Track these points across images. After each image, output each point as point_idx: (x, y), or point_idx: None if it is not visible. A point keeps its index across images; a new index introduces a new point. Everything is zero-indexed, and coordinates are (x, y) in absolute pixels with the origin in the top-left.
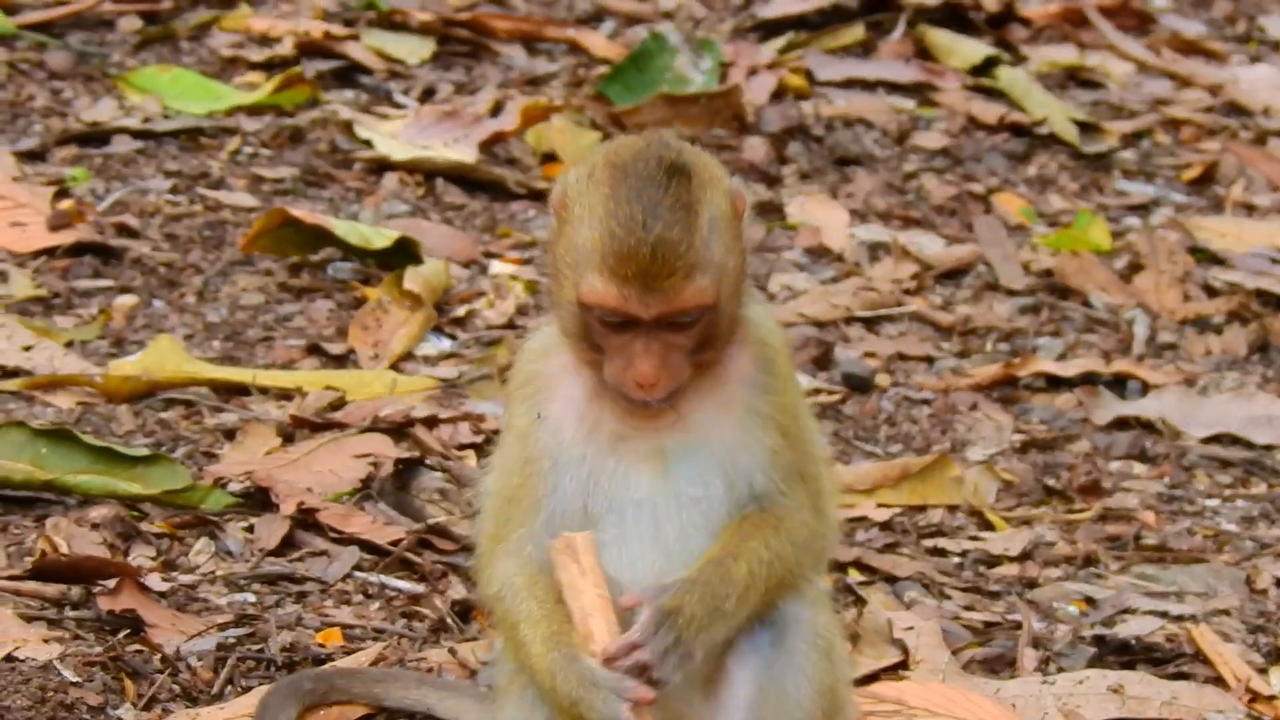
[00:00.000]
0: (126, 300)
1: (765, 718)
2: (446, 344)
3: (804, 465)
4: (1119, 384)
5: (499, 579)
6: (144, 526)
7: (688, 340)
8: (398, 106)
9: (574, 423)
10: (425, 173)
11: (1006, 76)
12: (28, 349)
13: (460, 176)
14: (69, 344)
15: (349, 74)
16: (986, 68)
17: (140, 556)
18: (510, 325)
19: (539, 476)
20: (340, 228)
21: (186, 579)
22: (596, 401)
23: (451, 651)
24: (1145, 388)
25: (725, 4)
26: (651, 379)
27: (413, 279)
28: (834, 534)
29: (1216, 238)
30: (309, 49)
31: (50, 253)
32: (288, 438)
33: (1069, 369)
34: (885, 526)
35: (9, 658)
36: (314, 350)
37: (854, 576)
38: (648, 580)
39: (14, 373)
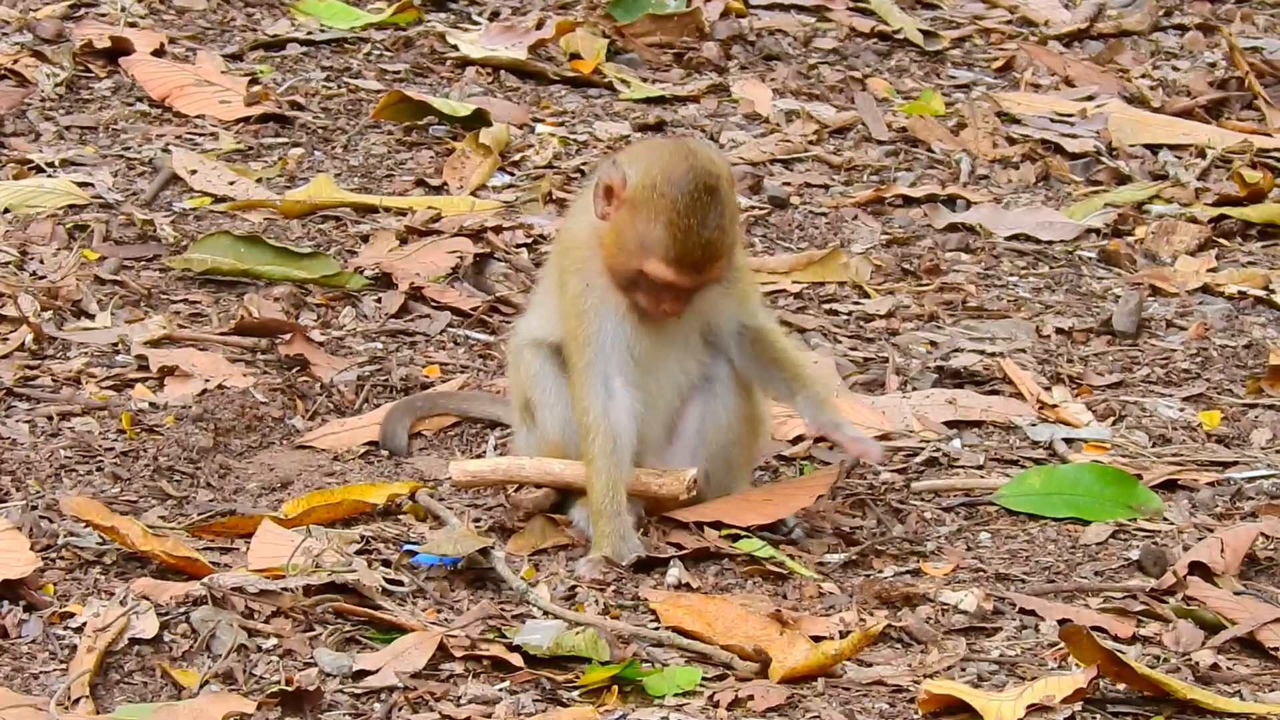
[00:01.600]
0: (296, 151)
1: (706, 436)
2: (507, 179)
3: (758, 304)
4: (950, 202)
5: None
6: (309, 300)
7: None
8: (474, 24)
9: (610, 297)
10: (493, 66)
11: (876, 1)
12: (231, 183)
13: (516, 68)
14: (259, 180)
15: (442, 1)
16: None
17: (306, 319)
18: (549, 166)
19: (591, 321)
20: (437, 102)
21: (337, 334)
22: (621, 290)
23: None
24: (968, 204)
25: None
26: (675, 312)
27: (485, 136)
28: None
29: (1014, 106)
30: None
31: (246, 120)
32: (403, 240)
33: (918, 192)
34: (797, 296)
35: (220, 386)
36: (420, 183)
37: None
38: (654, 387)
39: (223, 199)
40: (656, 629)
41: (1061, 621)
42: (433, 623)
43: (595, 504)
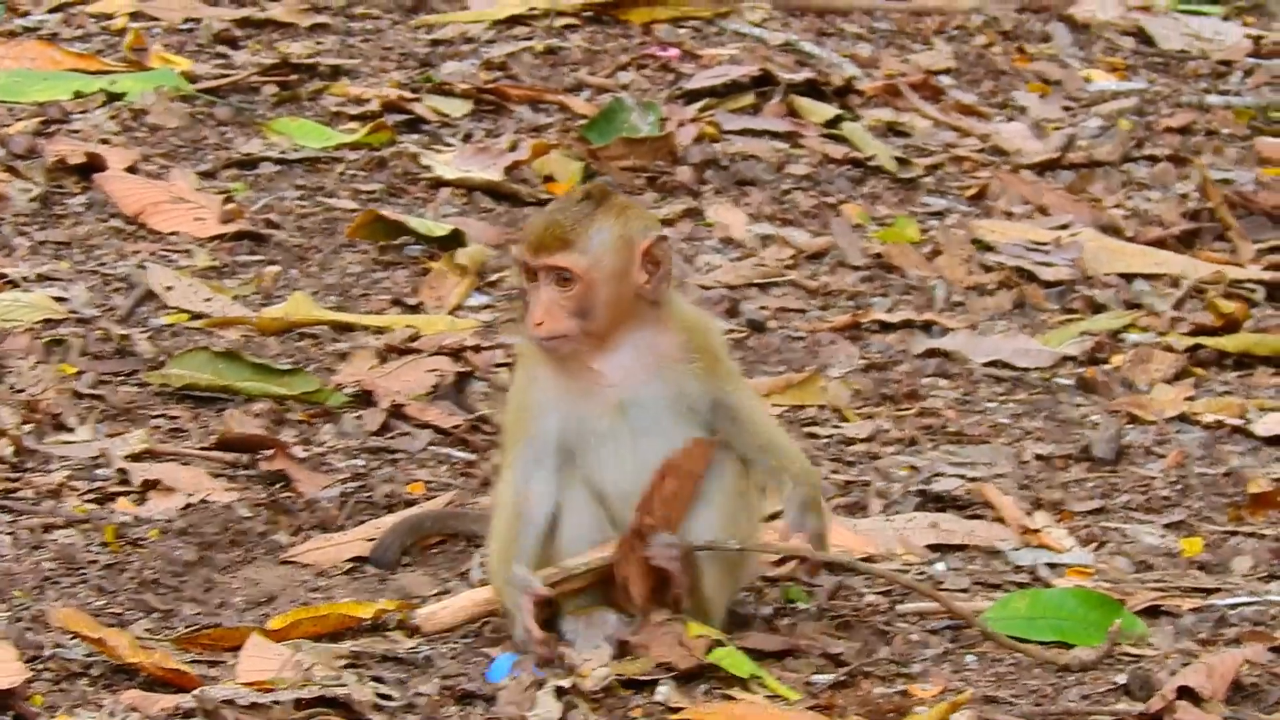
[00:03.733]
0: (272, 269)
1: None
2: (485, 299)
3: (738, 385)
4: (927, 328)
5: (501, 486)
6: (288, 416)
7: (568, 300)
8: (447, 145)
9: (553, 383)
10: (467, 187)
11: (848, 128)
12: (207, 300)
13: (490, 190)
14: (235, 297)
15: (415, 123)
16: (835, 123)
17: (287, 435)
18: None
19: (531, 417)
20: (413, 222)
21: (318, 450)
22: (559, 374)
23: None
24: (944, 330)
25: (662, 80)
26: (538, 318)
27: (462, 256)
28: None
29: (989, 234)
30: (389, 107)
31: (220, 237)
32: (382, 358)
33: (894, 317)
34: (778, 418)
35: (203, 500)
36: (396, 302)
37: None
38: (624, 481)
39: (199, 315)
40: None
41: None
42: None
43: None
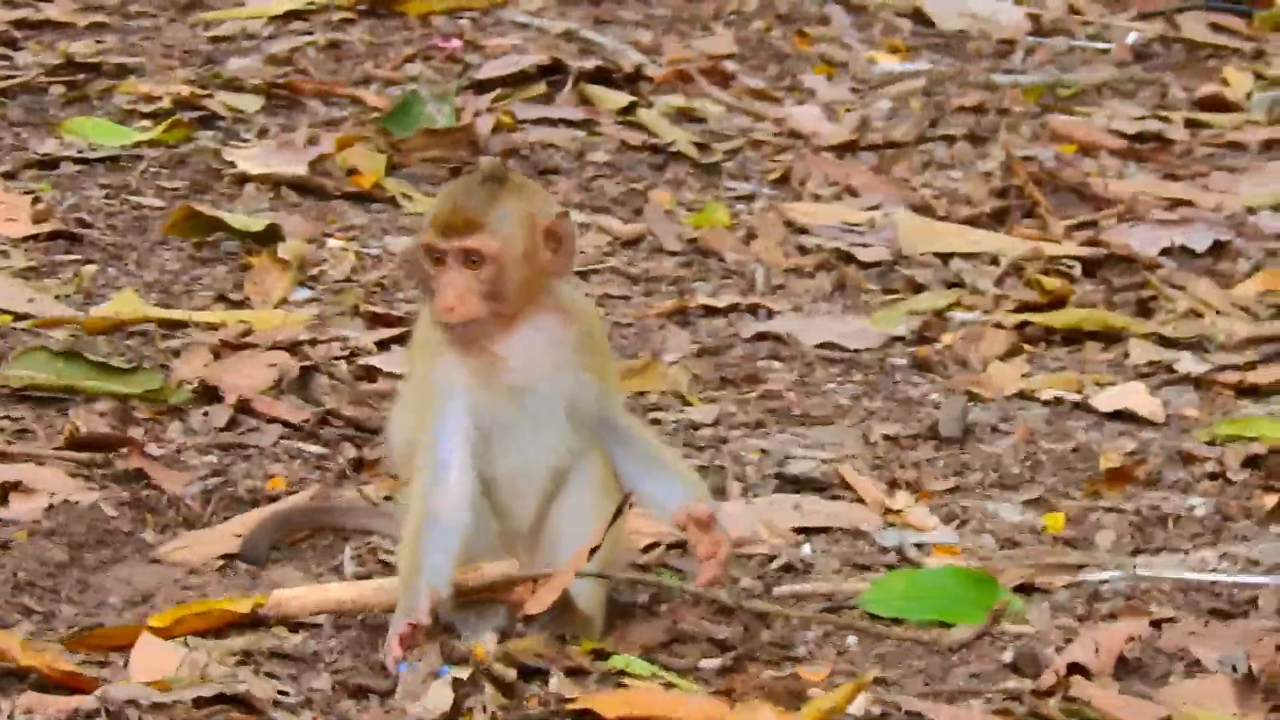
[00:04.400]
0: (90, 268)
1: (568, 533)
2: (308, 293)
3: (618, 401)
4: (753, 311)
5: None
6: (134, 414)
7: (479, 283)
8: (243, 140)
9: (455, 371)
10: (273, 182)
11: (644, 115)
12: (30, 300)
13: (296, 184)
14: (57, 297)
15: (209, 119)
16: (629, 110)
17: (135, 434)
18: (349, 280)
19: (438, 409)
20: (229, 217)
21: (170, 448)
22: (461, 360)
23: (360, 491)
24: (771, 313)
25: (450, 71)
26: (449, 302)
27: (284, 250)
28: None
29: (801, 216)
30: (181, 103)
31: (34, 238)
32: (216, 355)
33: (720, 301)
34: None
35: (66, 501)
36: (221, 298)
37: None
38: (517, 472)
39: (24, 316)
40: None
41: None
42: None
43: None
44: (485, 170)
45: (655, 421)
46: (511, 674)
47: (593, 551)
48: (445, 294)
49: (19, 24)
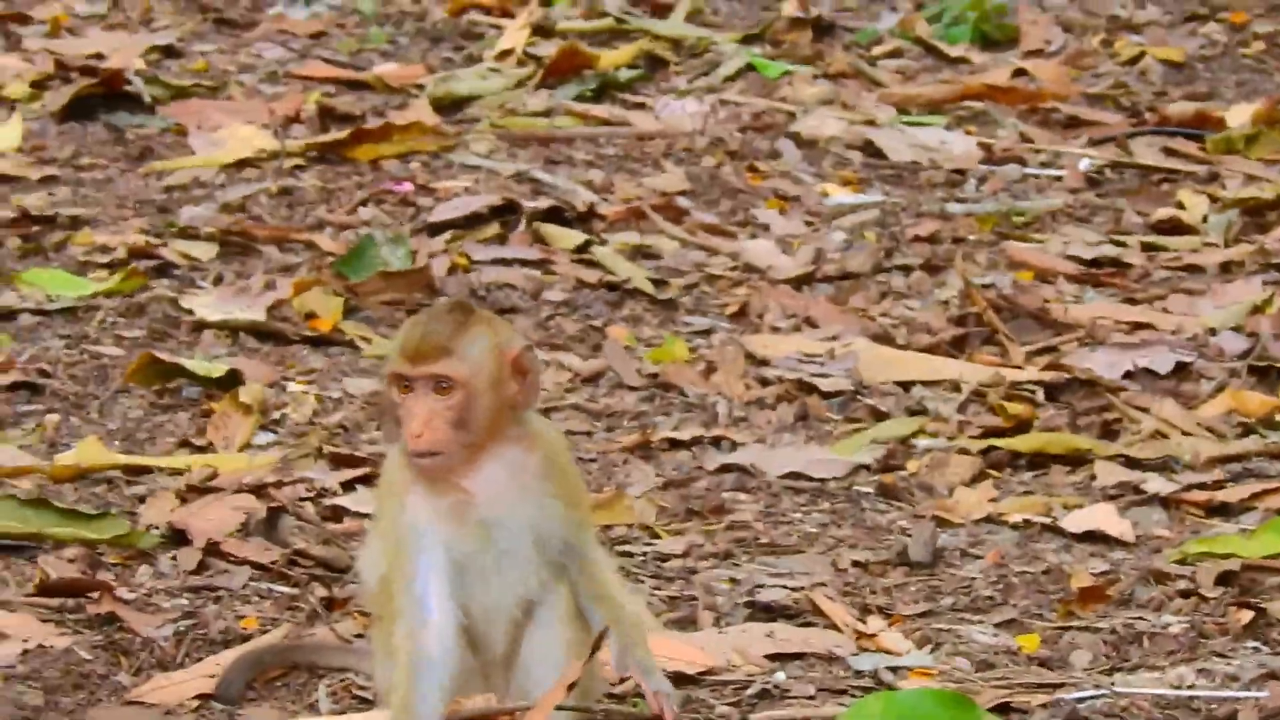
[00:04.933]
0: (52, 418)
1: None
2: (271, 436)
3: (587, 529)
4: (717, 443)
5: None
6: (103, 559)
7: (448, 410)
8: (199, 288)
9: (424, 509)
10: (231, 329)
11: (599, 252)
12: None
13: (255, 330)
14: (20, 447)
15: (164, 268)
16: (584, 248)
17: (104, 578)
18: (311, 422)
19: (409, 548)
20: (190, 364)
21: (141, 592)
22: (429, 496)
23: (331, 629)
24: (734, 445)
25: (403, 214)
26: (417, 430)
27: (245, 395)
28: None
29: (761, 348)
30: (136, 253)
31: None
32: (182, 499)
33: (683, 435)
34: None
35: (40, 646)
36: (184, 444)
37: None
38: (489, 604)
39: None
40: None
41: None
42: None
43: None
44: (451, 301)
45: (624, 554)
46: None
47: (570, 686)
48: (413, 422)
49: None
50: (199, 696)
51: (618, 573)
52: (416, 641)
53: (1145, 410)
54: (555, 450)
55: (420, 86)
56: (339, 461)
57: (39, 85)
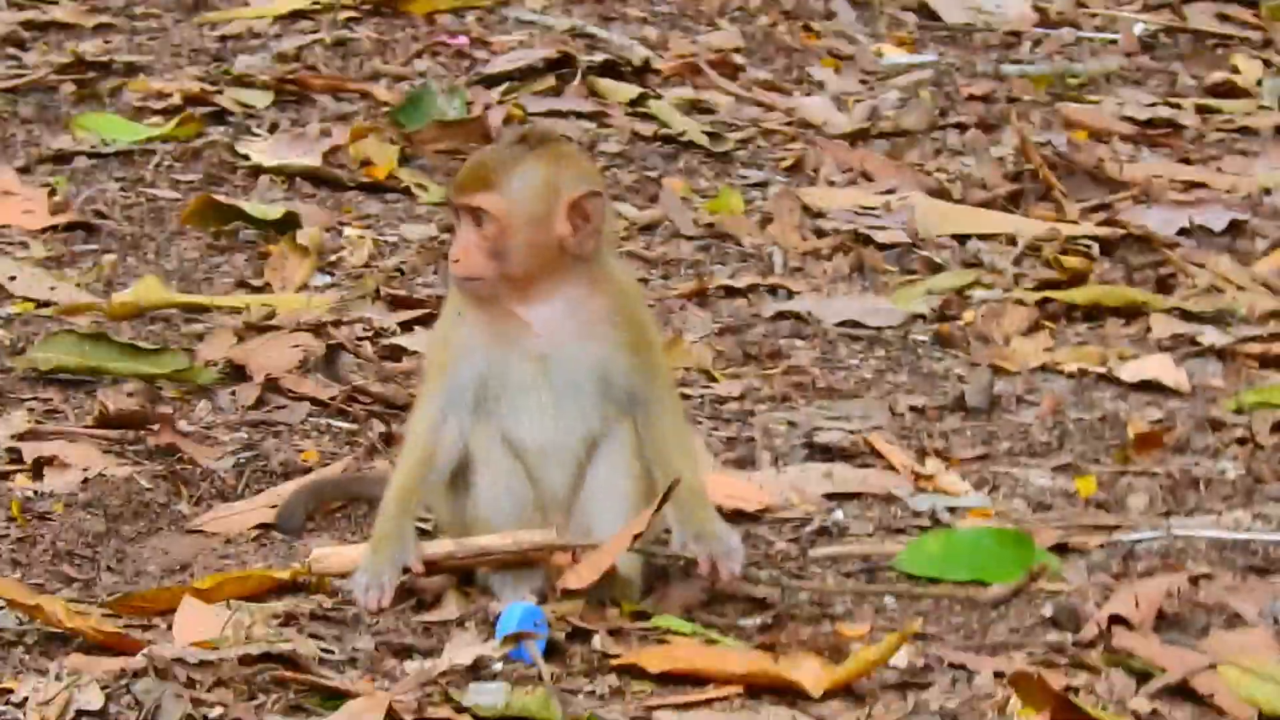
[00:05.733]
0: (110, 258)
1: (602, 503)
2: (328, 279)
3: (657, 378)
4: (773, 291)
5: (413, 421)
6: (162, 394)
7: (483, 240)
8: (255, 135)
9: (478, 325)
10: (287, 174)
11: (654, 106)
12: (52, 288)
13: (310, 175)
14: (78, 285)
15: (220, 115)
16: (639, 101)
17: (164, 412)
18: (367, 265)
19: (452, 356)
20: (247, 206)
21: (200, 425)
22: (486, 319)
23: (391, 463)
24: (790, 294)
25: (458, 67)
26: (455, 255)
27: (302, 237)
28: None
29: (817, 200)
30: (192, 100)
31: (53, 229)
32: (240, 338)
33: (739, 282)
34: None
35: (101, 474)
36: (241, 284)
37: None
38: (545, 438)
39: (47, 303)
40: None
41: (997, 675)
42: (376, 688)
43: (382, 508)
44: (528, 130)
45: (683, 396)
46: (557, 635)
47: (636, 537)
48: (454, 248)
49: (26, 25)
50: (259, 526)
51: (684, 429)
52: (428, 446)
53: (1200, 265)
54: (625, 295)
55: None
56: (396, 303)
57: None
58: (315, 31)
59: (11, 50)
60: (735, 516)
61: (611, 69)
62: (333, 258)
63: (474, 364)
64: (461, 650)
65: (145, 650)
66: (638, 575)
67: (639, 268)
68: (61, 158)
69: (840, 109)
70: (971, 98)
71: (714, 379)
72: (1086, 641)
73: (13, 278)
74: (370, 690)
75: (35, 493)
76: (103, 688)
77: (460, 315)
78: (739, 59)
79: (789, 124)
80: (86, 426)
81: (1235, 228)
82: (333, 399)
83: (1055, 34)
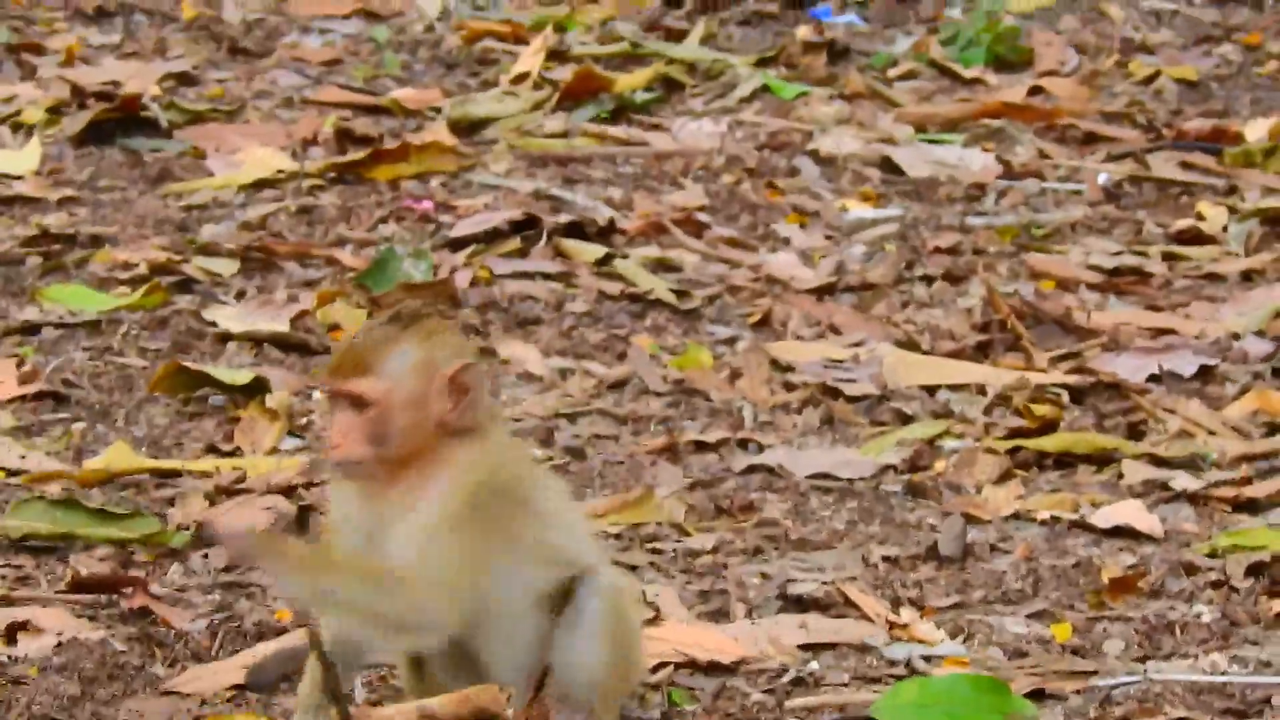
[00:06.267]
0: (79, 426)
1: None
2: (298, 442)
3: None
4: (743, 445)
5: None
6: (134, 558)
7: (361, 426)
8: (221, 303)
9: (355, 504)
10: (255, 340)
11: (620, 265)
12: (23, 457)
13: (278, 341)
14: (48, 453)
15: (186, 284)
16: (605, 261)
17: (136, 575)
18: None
19: (337, 538)
20: (216, 372)
21: (173, 589)
22: (361, 497)
23: None
24: (761, 447)
25: (423, 231)
26: (333, 441)
27: (271, 401)
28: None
29: (785, 354)
30: (158, 269)
31: (22, 399)
32: (211, 501)
33: (709, 437)
34: (618, 537)
35: (73, 639)
36: (211, 449)
37: None
38: None
39: (17, 471)
40: None
41: None
42: None
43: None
44: (396, 309)
45: (655, 550)
46: None
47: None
48: (333, 433)
49: None
50: (234, 687)
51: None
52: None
53: (1171, 411)
54: (481, 485)
55: (437, 110)
56: None
57: (55, 111)
58: (280, 199)
59: None
60: (711, 669)
61: (577, 229)
62: (302, 420)
63: (353, 542)
64: None
65: None
66: None
67: (609, 425)
68: (29, 329)
69: (806, 264)
70: (937, 250)
71: (686, 533)
72: None
73: None
74: None
75: (9, 658)
76: None
77: (340, 498)
78: (704, 217)
79: (755, 280)
80: (59, 591)
81: (1205, 373)
82: None
83: (1019, 185)
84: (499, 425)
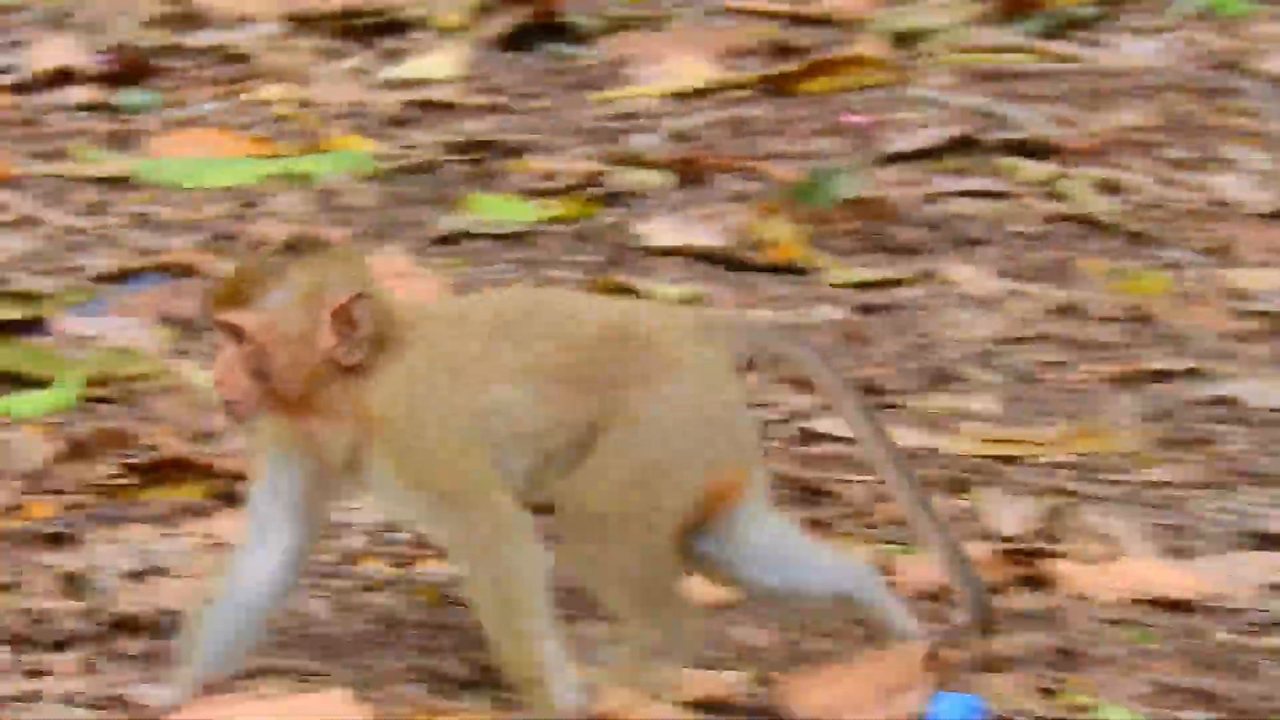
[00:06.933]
0: None
1: None
2: None
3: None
4: (1201, 376)
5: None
6: None
7: (243, 361)
8: (652, 215)
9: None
10: (688, 256)
11: (1066, 185)
12: None
13: (713, 256)
14: None
15: (612, 196)
16: (1049, 181)
17: None
18: None
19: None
20: (654, 291)
21: None
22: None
23: None
24: (1218, 377)
25: (859, 146)
26: (216, 378)
27: None
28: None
29: (1240, 281)
30: (584, 180)
31: None
32: None
33: (1164, 366)
34: (1074, 467)
35: None
36: None
37: None
38: None
39: None
40: None
41: None
42: None
43: None
44: (289, 238)
45: (1111, 482)
46: None
47: None
48: (215, 368)
49: (411, 105)
50: None
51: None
52: (229, 576)
53: None
54: (393, 417)
55: (870, 21)
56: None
57: (478, 12)
58: (710, 110)
59: (396, 130)
60: (1174, 607)
61: (1018, 147)
62: None
63: (277, 471)
64: None
65: None
66: None
67: (1057, 350)
68: (451, 238)
69: (1258, 187)
70: None
71: (1144, 463)
72: None
73: None
74: None
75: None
76: None
77: (260, 429)
78: (1150, 137)
79: (1205, 203)
80: None
81: None
82: None
83: None
84: (413, 352)
